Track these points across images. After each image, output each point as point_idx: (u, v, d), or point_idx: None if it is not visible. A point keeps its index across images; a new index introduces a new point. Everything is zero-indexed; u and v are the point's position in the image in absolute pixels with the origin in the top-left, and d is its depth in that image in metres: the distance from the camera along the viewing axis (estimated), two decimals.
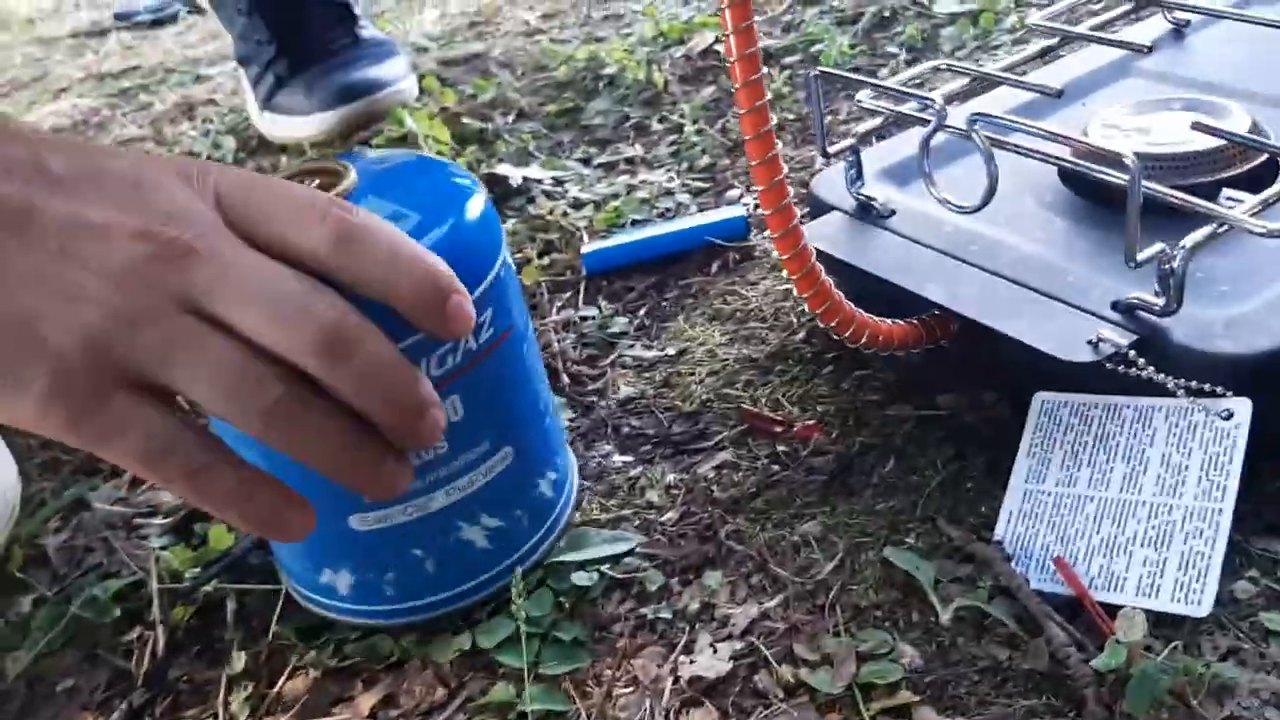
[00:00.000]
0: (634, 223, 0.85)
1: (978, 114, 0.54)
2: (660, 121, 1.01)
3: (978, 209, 0.55)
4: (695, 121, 0.98)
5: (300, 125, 1.09)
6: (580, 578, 0.55)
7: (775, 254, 0.53)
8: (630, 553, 0.56)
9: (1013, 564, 0.50)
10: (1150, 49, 0.66)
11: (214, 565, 0.60)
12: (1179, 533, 0.48)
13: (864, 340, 0.55)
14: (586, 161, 0.97)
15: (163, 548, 0.62)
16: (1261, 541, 0.50)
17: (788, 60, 1.05)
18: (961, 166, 0.63)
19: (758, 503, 0.58)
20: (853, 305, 0.55)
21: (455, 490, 0.51)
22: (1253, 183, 0.57)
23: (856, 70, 1.00)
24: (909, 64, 0.99)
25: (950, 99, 0.57)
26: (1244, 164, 0.59)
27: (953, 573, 0.51)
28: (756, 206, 0.85)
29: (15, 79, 1.59)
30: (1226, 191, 0.60)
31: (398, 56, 1.14)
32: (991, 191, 0.54)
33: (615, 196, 0.89)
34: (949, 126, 0.56)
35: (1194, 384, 0.50)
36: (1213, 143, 0.59)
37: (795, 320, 0.70)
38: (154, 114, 1.30)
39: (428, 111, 1.04)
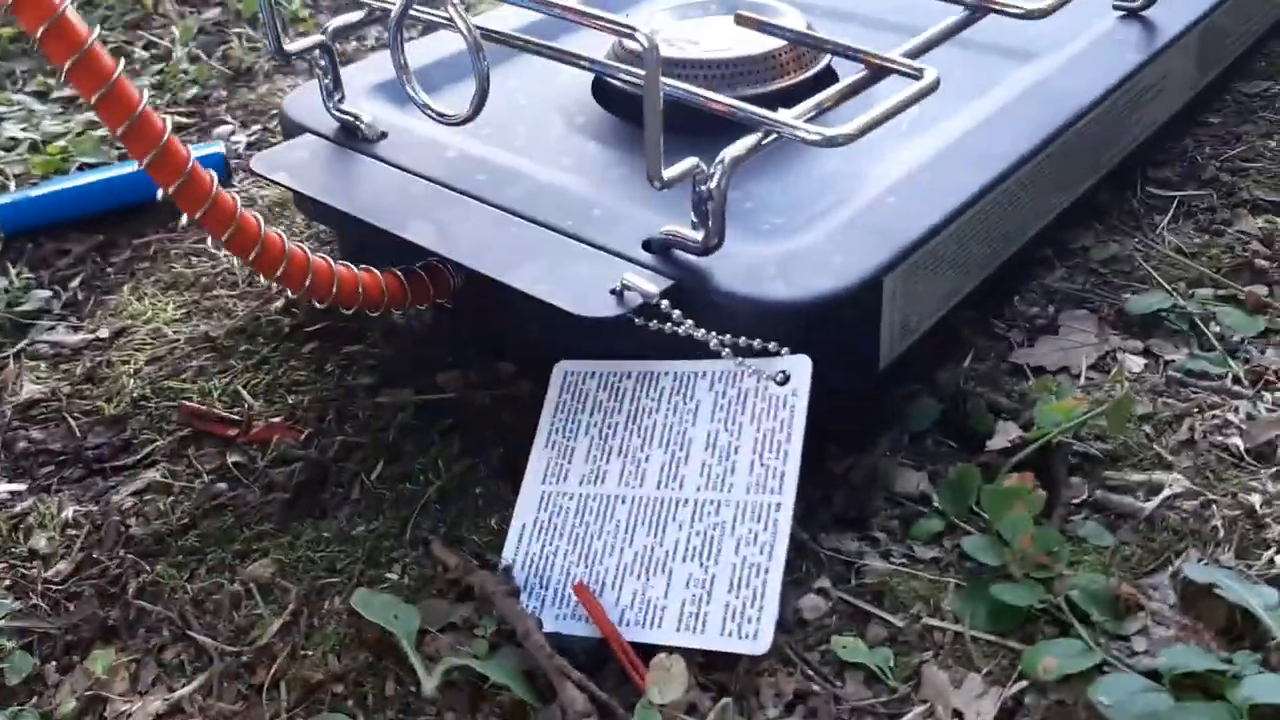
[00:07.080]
0: (84, 167, 0.65)
1: (480, 25, 0.40)
2: (146, 48, 0.80)
3: (467, 119, 0.41)
4: (187, 46, 0.78)
5: None
6: None
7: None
8: None
9: (523, 598, 0.37)
10: None
11: None
12: (729, 538, 0.36)
13: (320, 295, 0.40)
14: (43, 95, 0.76)
15: None
16: (831, 539, 0.39)
17: None
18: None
19: (190, 539, 0.41)
20: (317, 255, 0.39)
21: None
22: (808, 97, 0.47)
23: None
24: None
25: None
26: (798, 72, 0.49)
27: (446, 617, 0.37)
28: (249, 145, 0.67)
29: None
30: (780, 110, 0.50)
31: None
32: (483, 95, 0.40)
33: (65, 135, 0.68)
34: (422, 11, 0.42)
35: (742, 340, 0.38)
36: (761, 47, 0.48)
37: (274, 286, 0.53)
38: None
39: None
